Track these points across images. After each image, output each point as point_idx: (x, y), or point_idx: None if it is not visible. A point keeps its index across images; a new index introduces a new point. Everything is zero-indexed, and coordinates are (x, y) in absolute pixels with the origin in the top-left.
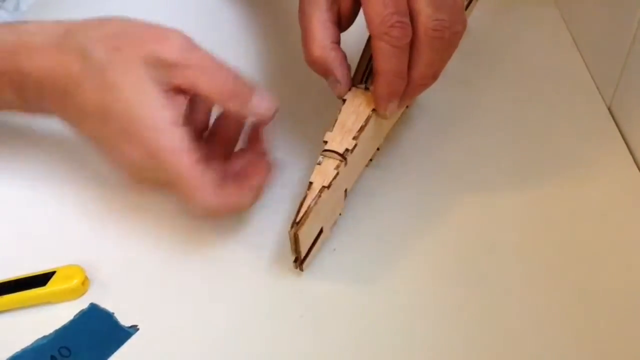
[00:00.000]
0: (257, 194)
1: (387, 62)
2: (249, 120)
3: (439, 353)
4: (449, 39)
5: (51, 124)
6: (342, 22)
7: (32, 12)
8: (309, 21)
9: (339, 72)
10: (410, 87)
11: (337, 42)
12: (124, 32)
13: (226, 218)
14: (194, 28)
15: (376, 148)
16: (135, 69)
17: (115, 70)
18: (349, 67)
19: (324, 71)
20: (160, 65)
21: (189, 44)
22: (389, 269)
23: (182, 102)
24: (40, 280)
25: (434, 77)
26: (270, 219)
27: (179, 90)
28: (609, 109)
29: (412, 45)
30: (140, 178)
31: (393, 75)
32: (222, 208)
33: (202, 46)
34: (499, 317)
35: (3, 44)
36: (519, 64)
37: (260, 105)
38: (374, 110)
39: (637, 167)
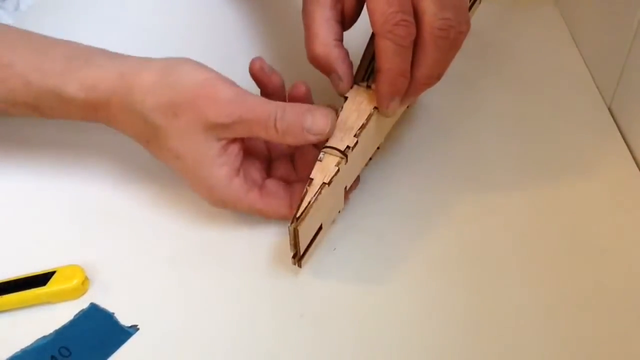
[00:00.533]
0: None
1: (390, 60)
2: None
3: (439, 352)
4: (454, 38)
5: (52, 125)
6: (345, 21)
7: (32, 12)
8: (312, 19)
9: (341, 69)
10: (413, 86)
11: (340, 39)
12: (177, 95)
13: (225, 218)
14: (196, 27)
15: (377, 147)
16: (194, 135)
17: (175, 137)
18: (351, 65)
19: (326, 68)
20: (215, 129)
21: (237, 96)
22: (389, 269)
23: (237, 149)
24: (40, 280)
25: (438, 77)
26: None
27: (234, 140)
28: (609, 108)
29: (417, 44)
30: (218, 207)
31: (396, 74)
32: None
33: (247, 90)
34: (499, 317)
35: (78, 97)
36: (519, 64)
37: (315, 128)
38: (375, 108)
39: (637, 167)
